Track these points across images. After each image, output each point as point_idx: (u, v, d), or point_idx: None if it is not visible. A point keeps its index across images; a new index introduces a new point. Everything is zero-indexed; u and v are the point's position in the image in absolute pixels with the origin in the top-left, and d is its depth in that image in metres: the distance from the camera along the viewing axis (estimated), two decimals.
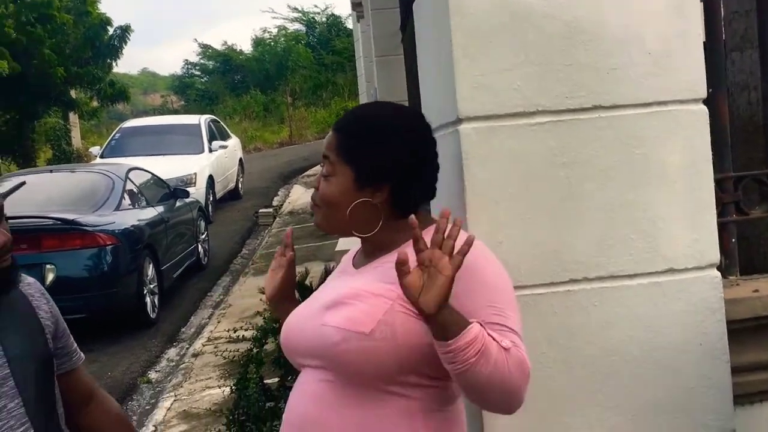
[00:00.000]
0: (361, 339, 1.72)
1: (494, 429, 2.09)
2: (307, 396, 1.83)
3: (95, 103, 24.34)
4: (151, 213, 8.87)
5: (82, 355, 2.20)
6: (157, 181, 10.07)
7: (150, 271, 8.29)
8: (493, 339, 1.64)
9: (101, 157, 14.55)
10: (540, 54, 2.07)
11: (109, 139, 15.91)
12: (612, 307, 2.12)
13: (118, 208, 8.34)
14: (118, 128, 16.53)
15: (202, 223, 10.84)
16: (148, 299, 8.10)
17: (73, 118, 24.65)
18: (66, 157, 22.58)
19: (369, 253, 1.93)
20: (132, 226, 8.14)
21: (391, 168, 1.84)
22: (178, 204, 9.95)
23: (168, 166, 12.55)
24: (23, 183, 8.62)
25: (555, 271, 2.11)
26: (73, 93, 23.14)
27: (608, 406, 2.14)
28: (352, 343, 1.72)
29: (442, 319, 1.60)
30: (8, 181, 9.01)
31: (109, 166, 9.66)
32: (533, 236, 2.09)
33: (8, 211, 2.01)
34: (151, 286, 8.27)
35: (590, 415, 2.13)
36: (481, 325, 1.64)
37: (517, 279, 2.08)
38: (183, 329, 8.25)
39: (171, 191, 10.09)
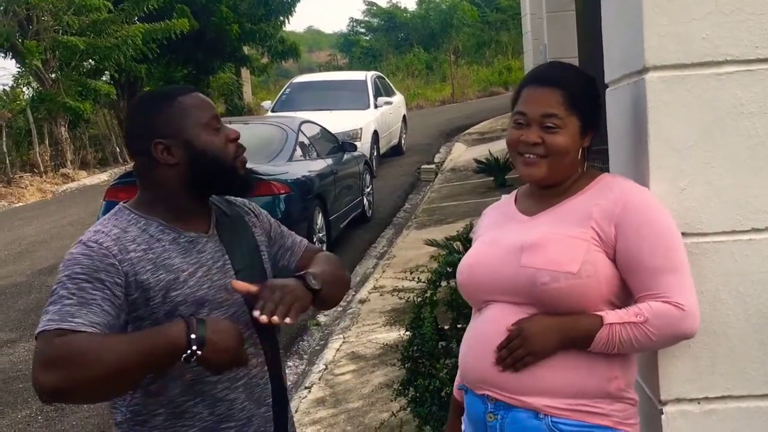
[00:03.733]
0: (569, 278, 1.94)
1: (670, 372, 2.15)
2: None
3: (265, 60, 25.24)
4: (321, 165, 9.22)
5: (304, 241, 2.36)
6: (326, 134, 10.41)
7: (319, 220, 8.63)
8: (625, 323, 1.92)
9: (272, 110, 15.14)
10: (730, 3, 2.08)
11: (280, 93, 16.55)
12: None
13: (291, 158, 8.70)
14: (288, 83, 17.16)
15: (368, 177, 11.14)
16: None
17: (245, 73, 25.72)
18: (238, 110, 23.62)
19: (544, 199, 2.13)
20: (303, 176, 8.49)
21: (598, 114, 2.14)
22: (345, 157, 10.26)
23: (335, 121, 12.91)
24: None
25: (737, 219, 2.12)
26: (245, 49, 24.07)
27: None
28: (562, 282, 1.94)
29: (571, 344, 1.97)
30: None
31: (282, 119, 10.07)
32: (716, 184, 2.12)
33: None
34: (320, 234, 8.61)
35: (767, 363, 2.15)
36: (602, 321, 1.94)
37: (697, 226, 2.12)
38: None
39: (339, 144, 10.42)
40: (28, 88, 19.41)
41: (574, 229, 2.01)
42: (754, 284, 2.13)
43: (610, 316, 1.94)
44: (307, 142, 9.38)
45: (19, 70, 19.05)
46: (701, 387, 2.15)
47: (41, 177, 17.77)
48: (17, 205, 15.66)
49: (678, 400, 2.16)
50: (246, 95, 25.74)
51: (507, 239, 2.09)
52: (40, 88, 18.47)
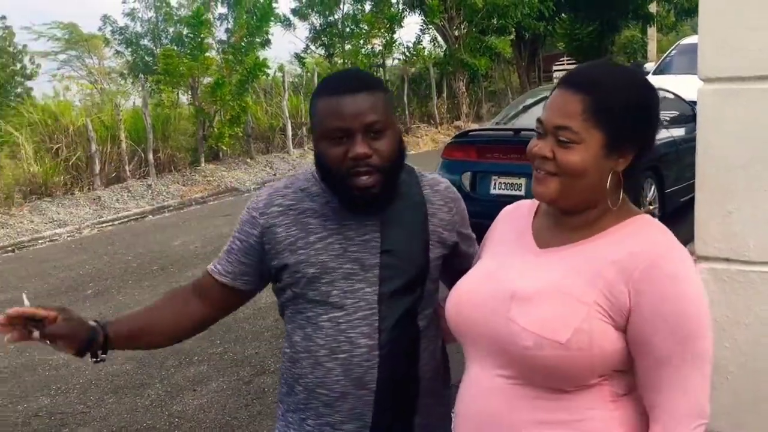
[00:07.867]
0: (555, 348, 1.58)
1: None
2: (486, 393, 1.72)
3: (672, 18, 24.20)
4: (661, 135, 8.87)
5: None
6: (680, 103, 9.93)
7: (651, 192, 8.37)
8: None
9: (654, 73, 14.61)
10: None
11: (665, 55, 15.88)
12: None
13: None
14: (675, 44, 16.37)
15: None
16: None
17: (651, 31, 24.87)
18: None
19: (560, 228, 1.75)
20: None
21: (641, 131, 1.66)
22: None
23: None
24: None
25: None
26: (652, 7, 23.29)
27: None
28: (546, 350, 1.59)
29: None
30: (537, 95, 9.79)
31: None
32: (767, 209, 1.94)
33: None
34: (651, 207, 8.35)
35: None
36: None
37: (744, 253, 1.98)
38: None
39: (695, 115, 9.89)
40: (432, 45, 20.85)
41: (578, 285, 1.62)
42: None
43: None
44: None
45: (422, 27, 20.52)
46: (738, 423, 2.02)
47: (436, 128, 19.14)
48: (411, 153, 16.97)
49: None
50: (650, 53, 24.89)
51: (505, 275, 1.73)
52: (445, 46, 19.79)
